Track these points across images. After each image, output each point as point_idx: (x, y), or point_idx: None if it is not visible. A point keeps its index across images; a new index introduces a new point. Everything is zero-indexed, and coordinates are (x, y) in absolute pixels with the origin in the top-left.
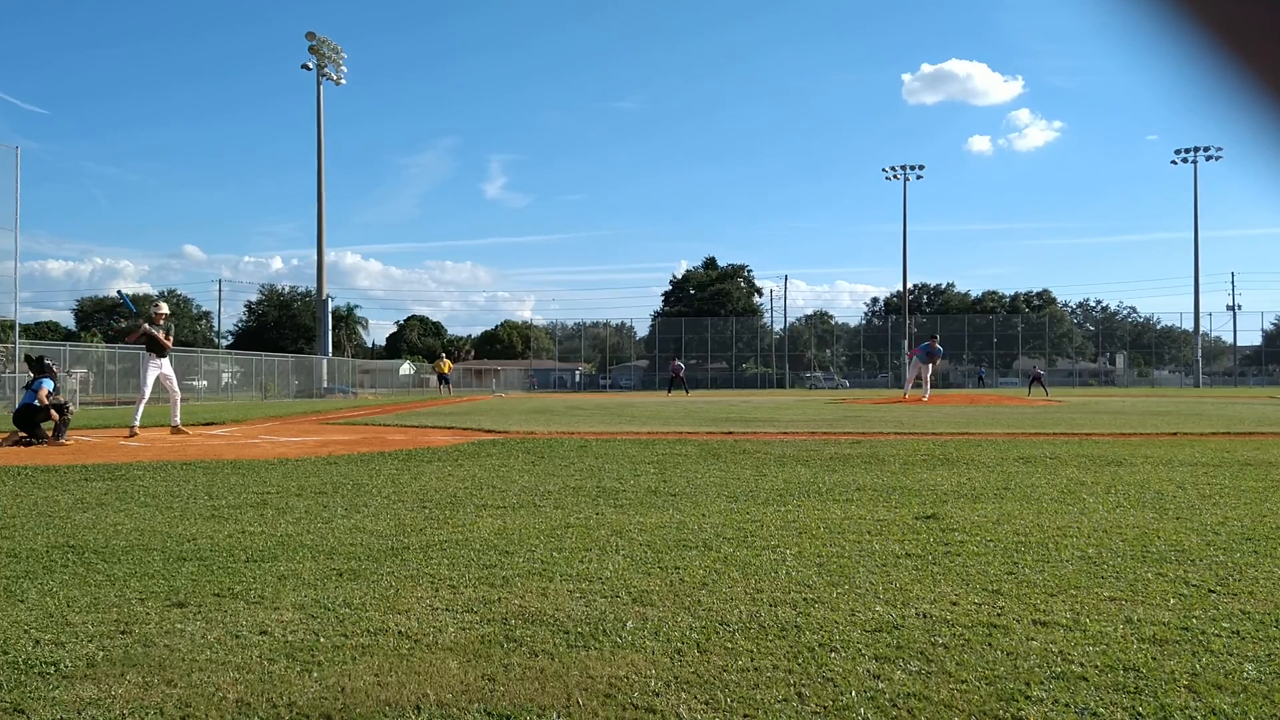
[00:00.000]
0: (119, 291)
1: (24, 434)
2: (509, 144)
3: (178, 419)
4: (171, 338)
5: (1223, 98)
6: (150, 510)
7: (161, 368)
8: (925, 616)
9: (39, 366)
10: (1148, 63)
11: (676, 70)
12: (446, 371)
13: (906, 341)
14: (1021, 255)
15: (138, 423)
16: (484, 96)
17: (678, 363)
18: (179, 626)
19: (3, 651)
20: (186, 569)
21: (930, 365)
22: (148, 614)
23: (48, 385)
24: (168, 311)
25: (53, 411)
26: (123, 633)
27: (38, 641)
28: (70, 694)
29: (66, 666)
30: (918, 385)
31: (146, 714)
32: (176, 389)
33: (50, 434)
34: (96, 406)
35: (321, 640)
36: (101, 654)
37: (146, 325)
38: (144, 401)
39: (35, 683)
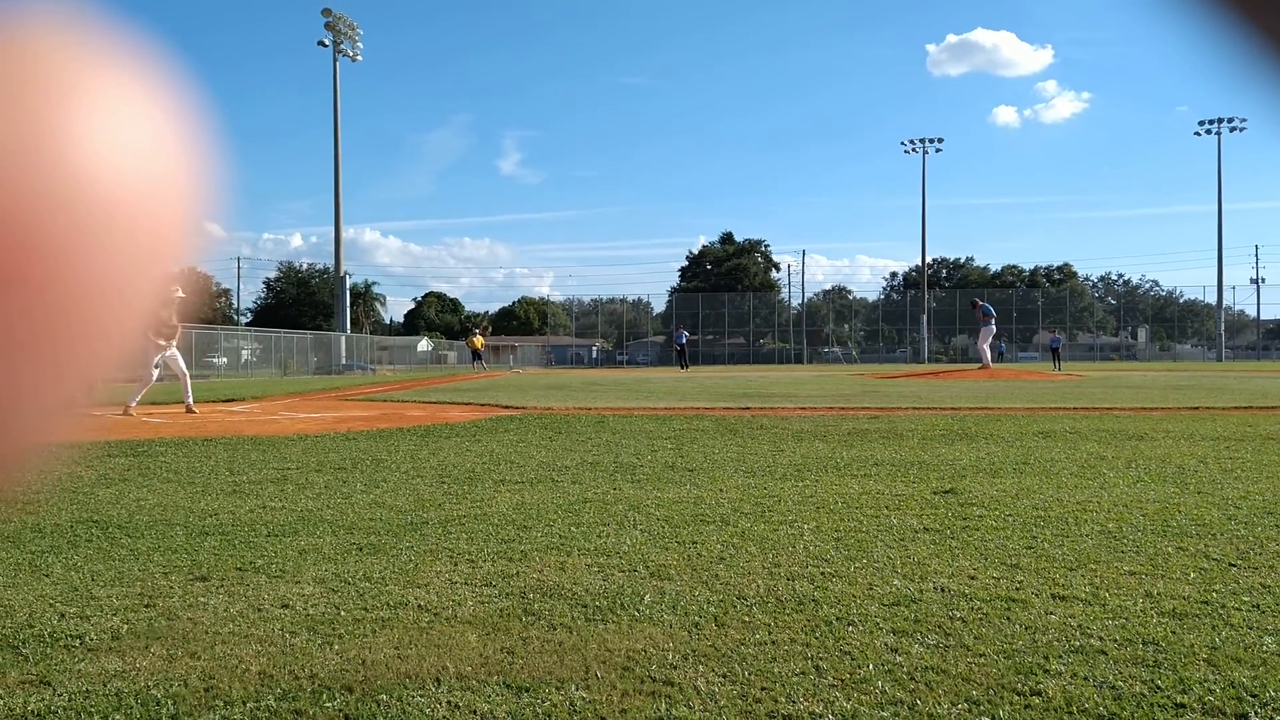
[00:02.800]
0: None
1: None
2: (522, 120)
3: (189, 399)
4: (178, 326)
5: (1256, 67)
6: (172, 486)
7: (164, 350)
8: (943, 591)
9: None
10: (1181, 30)
11: (693, 44)
12: (480, 347)
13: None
14: (1042, 228)
15: (134, 403)
16: (497, 72)
17: (682, 330)
18: (202, 600)
19: (29, 625)
20: (209, 543)
21: (985, 327)
22: (171, 588)
23: None
24: (182, 295)
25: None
26: (147, 606)
27: (63, 615)
28: (96, 666)
29: (92, 639)
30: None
31: (171, 686)
32: (184, 370)
33: None
34: (118, 383)
35: (342, 614)
36: (126, 627)
37: (155, 338)
38: (147, 385)
39: (61, 655)
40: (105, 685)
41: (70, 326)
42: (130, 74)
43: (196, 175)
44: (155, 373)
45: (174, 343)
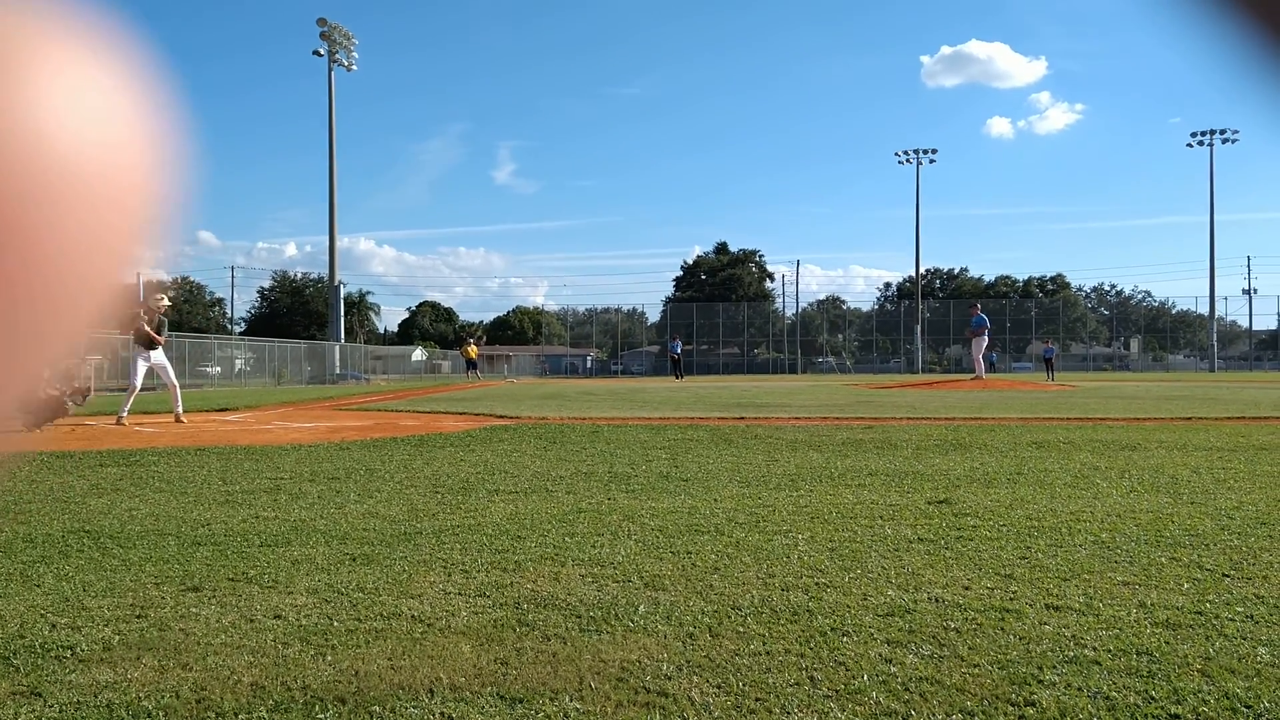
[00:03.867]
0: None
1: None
2: (517, 130)
3: (179, 408)
4: (165, 333)
5: (1253, 77)
6: (165, 495)
7: (151, 360)
8: (937, 601)
9: None
10: (1175, 41)
11: (687, 53)
12: (474, 356)
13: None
14: (1036, 239)
15: (125, 413)
16: (491, 82)
17: (676, 340)
18: (194, 611)
19: (20, 635)
20: (201, 554)
21: (978, 339)
22: (163, 598)
23: None
24: (168, 305)
25: (68, 404)
26: (138, 617)
27: (54, 625)
28: (87, 677)
29: (83, 650)
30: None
31: (162, 697)
32: (173, 380)
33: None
34: (111, 392)
35: (335, 624)
36: (118, 638)
37: (145, 326)
38: (134, 394)
39: (52, 666)
40: (96, 696)
41: (25, 311)
42: (92, 59)
43: (158, 163)
44: (139, 382)
45: (159, 352)
